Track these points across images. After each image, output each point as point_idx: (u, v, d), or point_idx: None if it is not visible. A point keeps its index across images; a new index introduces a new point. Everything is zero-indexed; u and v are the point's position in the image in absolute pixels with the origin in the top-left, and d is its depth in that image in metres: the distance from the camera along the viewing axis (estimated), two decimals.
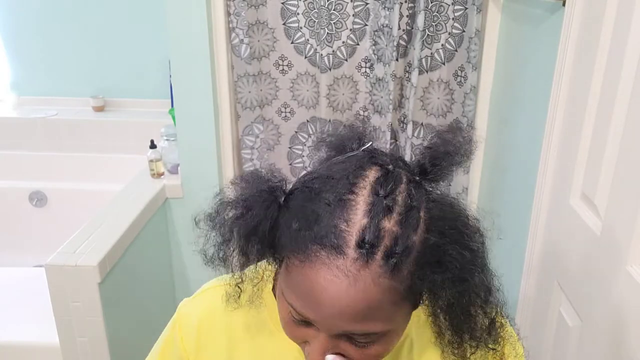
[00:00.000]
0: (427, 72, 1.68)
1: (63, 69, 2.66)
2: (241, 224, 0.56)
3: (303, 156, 1.88)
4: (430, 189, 0.56)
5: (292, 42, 1.72)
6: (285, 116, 1.82)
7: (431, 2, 1.58)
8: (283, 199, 0.55)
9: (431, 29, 1.62)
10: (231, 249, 0.59)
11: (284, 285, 0.54)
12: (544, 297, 1.18)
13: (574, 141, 1.03)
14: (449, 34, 1.62)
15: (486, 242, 0.58)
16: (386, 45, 1.63)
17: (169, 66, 1.76)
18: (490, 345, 0.60)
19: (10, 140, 2.59)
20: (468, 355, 0.60)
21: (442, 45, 1.64)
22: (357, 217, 0.50)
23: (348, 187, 0.51)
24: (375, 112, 1.73)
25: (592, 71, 0.96)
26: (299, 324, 0.55)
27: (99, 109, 2.65)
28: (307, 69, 1.75)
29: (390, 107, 1.67)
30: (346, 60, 1.71)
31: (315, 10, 1.66)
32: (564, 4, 1.08)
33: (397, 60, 1.64)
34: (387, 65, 1.64)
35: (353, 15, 1.66)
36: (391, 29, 1.59)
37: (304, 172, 0.58)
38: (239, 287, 0.64)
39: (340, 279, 0.49)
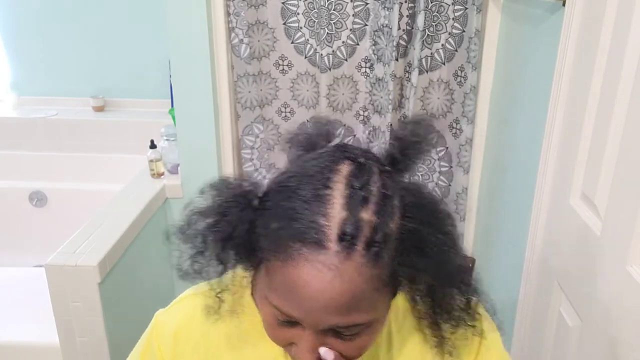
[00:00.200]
0: (427, 72, 1.68)
1: (63, 69, 2.66)
2: (216, 231, 0.56)
3: None
4: (401, 178, 0.57)
5: (292, 42, 1.72)
6: (285, 116, 1.82)
7: (431, 2, 1.58)
8: (257, 201, 0.55)
9: (431, 29, 1.62)
10: (207, 259, 0.58)
11: (267, 288, 0.54)
12: (544, 297, 1.18)
13: (574, 141, 1.03)
14: (449, 34, 1.62)
15: (456, 224, 0.59)
16: (386, 45, 1.63)
17: (169, 66, 1.76)
18: (469, 323, 0.62)
19: (10, 140, 2.59)
20: (448, 336, 0.62)
21: (442, 45, 1.64)
22: (335, 211, 0.50)
23: (323, 182, 0.52)
24: (375, 112, 1.73)
25: (592, 71, 0.96)
26: (284, 325, 0.55)
27: (99, 109, 2.65)
28: (307, 69, 1.75)
29: (390, 107, 1.67)
30: (346, 60, 1.71)
31: (315, 10, 1.66)
32: (564, 4, 1.08)
33: (397, 60, 1.64)
34: (386, 65, 1.64)
35: (353, 15, 1.66)
36: (391, 29, 1.59)
37: (276, 173, 0.58)
38: (218, 297, 0.64)
39: (324, 273, 0.49)
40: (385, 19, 1.60)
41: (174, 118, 1.87)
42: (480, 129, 1.72)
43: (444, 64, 1.66)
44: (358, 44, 1.69)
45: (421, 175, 1.81)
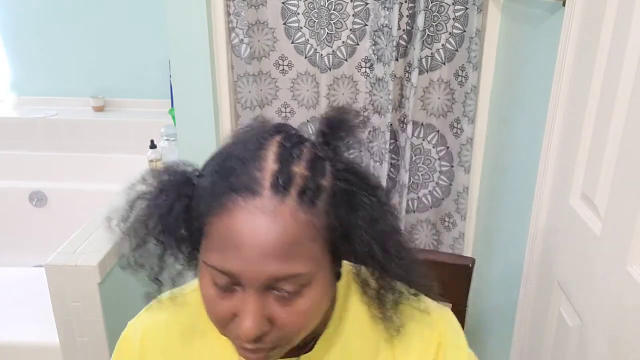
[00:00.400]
0: (427, 72, 1.68)
1: (63, 69, 2.67)
2: (155, 207, 0.57)
3: None
4: (333, 152, 0.58)
5: (292, 42, 1.72)
6: (286, 116, 1.82)
7: (431, 2, 1.58)
8: (196, 178, 0.57)
9: (431, 29, 1.62)
10: (148, 250, 0.60)
11: (205, 251, 0.54)
12: (544, 297, 1.18)
13: (574, 141, 1.03)
14: (450, 33, 1.62)
15: (390, 196, 0.62)
16: (386, 45, 1.63)
17: (169, 66, 1.76)
18: (412, 302, 0.64)
19: (10, 140, 2.59)
20: (392, 313, 0.63)
21: (443, 45, 1.64)
22: (269, 164, 0.53)
23: (257, 145, 0.55)
24: (375, 112, 1.73)
25: (592, 71, 0.96)
26: (224, 293, 0.54)
27: (99, 109, 2.65)
28: (307, 69, 1.75)
29: (390, 107, 1.67)
30: (346, 60, 1.71)
31: (315, 10, 1.66)
32: (564, 4, 1.08)
33: (397, 60, 1.64)
34: (386, 65, 1.64)
35: (353, 15, 1.66)
36: (391, 29, 1.59)
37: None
38: (158, 280, 0.64)
39: (259, 217, 0.51)
40: (385, 19, 1.60)
41: (174, 118, 1.87)
42: (480, 129, 1.72)
43: (444, 63, 1.66)
44: (358, 44, 1.69)
45: (422, 175, 1.81)
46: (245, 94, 1.76)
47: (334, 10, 1.65)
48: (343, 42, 1.69)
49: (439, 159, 1.79)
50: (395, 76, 1.65)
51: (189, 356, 0.69)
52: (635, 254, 0.82)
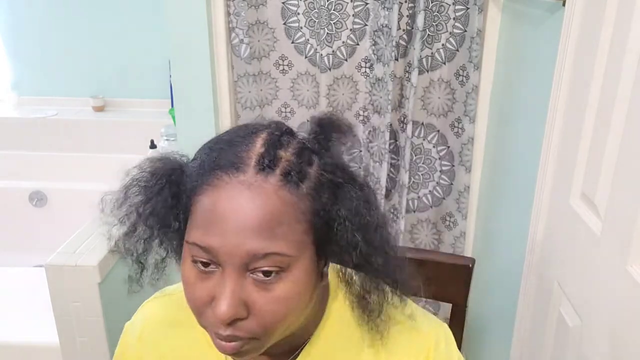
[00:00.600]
0: (427, 71, 1.68)
1: (63, 69, 2.67)
2: (145, 190, 0.58)
3: None
4: (323, 149, 0.59)
5: (292, 42, 1.72)
6: (286, 116, 1.82)
7: (431, 2, 1.58)
8: (187, 166, 0.59)
9: (431, 28, 1.62)
10: (138, 236, 0.61)
11: (189, 230, 0.55)
12: (544, 297, 1.18)
13: (574, 141, 1.03)
14: (450, 33, 1.62)
15: (376, 196, 0.62)
16: (385, 45, 1.63)
17: (169, 66, 1.76)
18: (397, 295, 0.63)
19: (10, 140, 2.59)
20: (376, 315, 0.62)
21: (443, 45, 1.64)
22: (256, 147, 0.54)
23: (248, 132, 0.57)
24: (375, 112, 1.73)
25: (592, 71, 0.96)
26: (204, 275, 0.54)
27: (99, 109, 2.65)
28: (307, 68, 1.75)
29: (389, 107, 1.67)
30: (346, 60, 1.71)
31: (316, 10, 1.66)
32: (564, 4, 1.08)
33: (397, 60, 1.64)
34: (386, 65, 1.64)
35: (353, 15, 1.66)
36: (390, 29, 1.59)
37: None
38: (140, 262, 0.64)
39: (242, 191, 0.51)
40: (385, 19, 1.60)
41: (174, 118, 1.87)
42: (480, 129, 1.72)
43: (444, 63, 1.66)
44: (358, 44, 1.69)
45: (422, 174, 1.81)
46: (245, 94, 1.76)
47: (334, 10, 1.65)
48: (343, 42, 1.69)
49: (439, 158, 1.79)
50: (395, 76, 1.65)
51: (177, 348, 0.71)
52: (635, 254, 0.82)
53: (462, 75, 1.66)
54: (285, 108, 1.81)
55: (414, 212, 1.85)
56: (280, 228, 0.52)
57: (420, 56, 1.63)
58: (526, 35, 1.39)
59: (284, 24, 1.70)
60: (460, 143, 1.73)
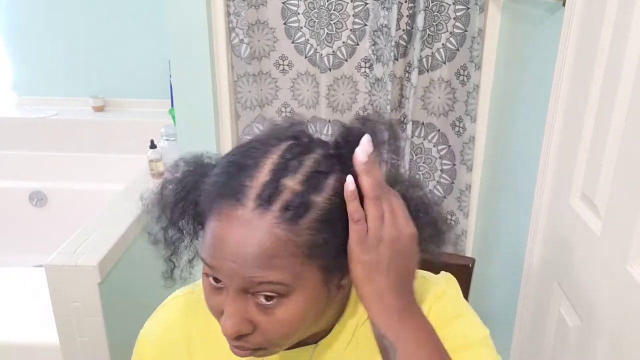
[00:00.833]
0: (427, 71, 1.68)
1: (63, 69, 2.66)
2: (175, 191, 0.61)
3: None
4: (349, 163, 0.57)
5: (292, 42, 1.72)
6: (286, 116, 1.82)
7: (431, 2, 1.58)
8: (210, 173, 0.59)
9: (432, 28, 1.62)
10: (174, 231, 0.64)
11: (200, 244, 0.58)
12: (544, 297, 1.18)
13: (574, 141, 1.03)
14: (450, 33, 1.62)
15: None
16: (385, 46, 1.62)
17: (169, 66, 1.76)
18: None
19: (10, 140, 2.59)
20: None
21: (443, 44, 1.64)
22: (261, 175, 0.54)
23: (261, 153, 0.56)
24: (375, 112, 1.72)
25: (592, 71, 0.96)
26: (214, 289, 0.57)
27: (99, 109, 2.65)
28: (307, 68, 1.75)
29: (389, 107, 1.67)
30: (346, 60, 1.71)
31: (316, 10, 1.66)
32: (564, 4, 1.08)
33: (396, 60, 1.64)
34: (385, 65, 1.64)
35: (353, 15, 1.66)
36: (389, 29, 1.59)
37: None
38: (171, 260, 0.67)
39: (238, 227, 0.53)
40: (384, 19, 1.60)
41: (174, 118, 1.87)
42: (481, 128, 1.72)
43: (444, 63, 1.66)
44: (358, 44, 1.69)
45: (422, 174, 1.81)
46: (246, 94, 1.76)
47: (334, 10, 1.65)
48: (343, 42, 1.69)
49: (440, 157, 1.79)
50: (394, 76, 1.65)
51: (208, 354, 0.70)
52: (635, 254, 0.82)
53: (463, 75, 1.66)
54: (285, 108, 1.81)
55: None
56: (275, 260, 0.52)
57: (420, 56, 1.63)
58: (526, 35, 1.39)
59: (284, 24, 1.70)
60: (461, 142, 1.73)
